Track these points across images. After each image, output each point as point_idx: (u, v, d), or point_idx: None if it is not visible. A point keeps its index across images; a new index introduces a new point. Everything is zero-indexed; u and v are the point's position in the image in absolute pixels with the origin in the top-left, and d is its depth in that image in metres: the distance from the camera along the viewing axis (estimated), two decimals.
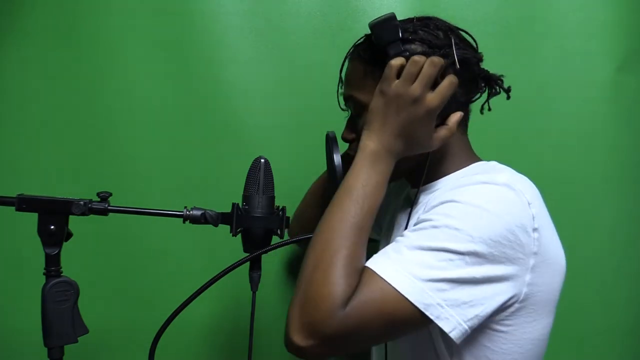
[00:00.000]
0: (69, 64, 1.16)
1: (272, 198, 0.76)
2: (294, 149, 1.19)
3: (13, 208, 0.68)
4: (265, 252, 0.74)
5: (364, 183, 0.69)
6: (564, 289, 0.73)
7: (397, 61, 0.69)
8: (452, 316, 0.61)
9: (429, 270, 0.61)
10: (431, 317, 0.60)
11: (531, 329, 0.69)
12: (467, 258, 0.61)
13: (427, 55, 0.70)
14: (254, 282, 0.75)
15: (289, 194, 1.08)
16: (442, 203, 0.67)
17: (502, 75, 0.80)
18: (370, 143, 0.71)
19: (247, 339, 0.75)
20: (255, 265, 0.76)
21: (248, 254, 0.73)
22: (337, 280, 0.61)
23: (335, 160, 0.79)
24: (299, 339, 0.60)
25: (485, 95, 0.82)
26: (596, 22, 1.19)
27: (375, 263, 0.64)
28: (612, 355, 1.23)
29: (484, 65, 0.79)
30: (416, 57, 0.69)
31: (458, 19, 0.80)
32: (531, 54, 1.20)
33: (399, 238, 0.67)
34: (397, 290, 0.60)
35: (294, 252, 1.23)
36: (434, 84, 0.70)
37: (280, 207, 0.76)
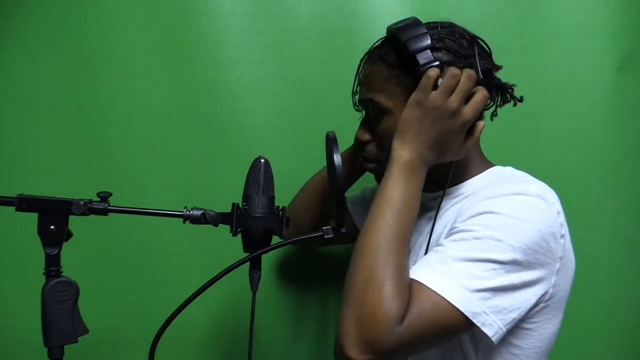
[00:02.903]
0: (69, 64, 1.16)
1: (272, 198, 0.76)
2: (294, 149, 1.19)
3: (13, 208, 0.67)
4: (265, 252, 0.74)
5: (403, 194, 0.70)
6: None
7: (434, 72, 0.70)
8: (495, 322, 0.64)
9: (475, 280, 0.64)
10: (477, 324, 0.63)
11: (550, 324, 0.73)
12: (507, 267, 0.64)
13: (453, 64, 0.72)
14: (254, 282, 0.75)
15: (289, 194, 1.08)
16: (480, 214, 0.69)
17: (513, 85, 0.81)
18: (404, 153, 0.71)
19: (247, 339, 0.74)
20: (255, 265, 0.75)
21: (248, 254, 0.73)
22: (392, 297, 0.62)
23: (335, 160, 0.79)
24: (356, 354, 0.62)
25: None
26: (596, 22, 1.19)
27: (422, 275, 0.66)
28: (613, 355, 1.23)
29: None
30: (454, 70, 0.70)
31: (458, 19, 0.80)
32: (531, 54, 1.20)
33: (438, 248, 0.69)
34: (448, 301, 0.63)
35: (294, 252, 1.23)
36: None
37: (280, 207, 0.76)
